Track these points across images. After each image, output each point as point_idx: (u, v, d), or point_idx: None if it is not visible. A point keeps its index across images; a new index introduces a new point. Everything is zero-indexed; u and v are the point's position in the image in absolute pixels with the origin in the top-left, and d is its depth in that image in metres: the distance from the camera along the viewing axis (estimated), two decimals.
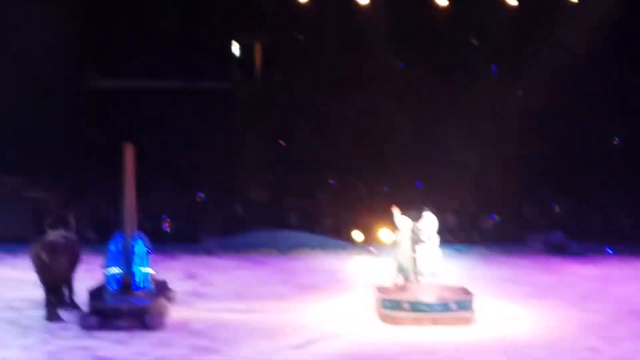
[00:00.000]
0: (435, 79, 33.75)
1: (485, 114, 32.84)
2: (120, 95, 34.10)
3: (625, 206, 30.61)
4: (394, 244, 20.90)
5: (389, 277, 21.09)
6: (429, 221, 21.37)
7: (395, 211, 20.85)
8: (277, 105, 34.70)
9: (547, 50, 31.91)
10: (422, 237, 21.00)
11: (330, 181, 32.66)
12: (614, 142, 33.49)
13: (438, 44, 33.26)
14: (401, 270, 20.69)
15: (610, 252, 28.21)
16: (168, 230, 29.46)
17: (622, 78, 32.55)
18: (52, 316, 19.67)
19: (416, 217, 21.15)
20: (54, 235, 20.23)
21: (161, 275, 21.94)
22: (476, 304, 20.40)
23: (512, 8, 31.88)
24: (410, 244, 20.64)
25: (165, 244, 26.99)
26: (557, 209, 31.28)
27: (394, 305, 20.10)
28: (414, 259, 20.66)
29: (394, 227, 20.95)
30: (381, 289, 20.87)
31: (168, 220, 29.78)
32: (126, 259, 20.21)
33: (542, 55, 32.07)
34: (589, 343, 18.72)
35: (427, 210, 21.35)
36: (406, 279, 20.76)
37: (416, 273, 20.75)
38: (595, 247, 28.38)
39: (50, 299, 19.79)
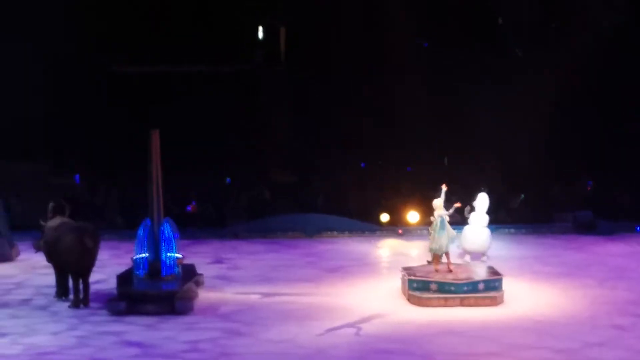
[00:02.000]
0: (461, 56, 33.51)
1: (513, 91, 32.58)
2: (145, 80, 34.16)
3: None
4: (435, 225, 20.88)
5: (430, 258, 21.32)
6: (483, 201, 22.62)
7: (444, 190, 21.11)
8: (302, 87, 34.63)
9: (577, 26, 31.62)
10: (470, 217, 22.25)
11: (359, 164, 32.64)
12: None
13: (463, 20, 33.04)
14: (443, 250, 20.71)
15: (638, 229, 27.98)
16: (195, 214, 29.50)
17: None
18: (78, 302, 19.81)
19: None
20: (76, 222, 20.42)
21: (189, 260, 22.06)
22: (504, 284, 20.38)
23: None
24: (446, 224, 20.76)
25: (192, 228, 27.02)
26: (590, 186, 31.06)
27: (422, 287, 20.11)
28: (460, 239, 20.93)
29: (439, 206, 21.05)
30: (409, 271, 20.86)
31: (195, 204, 29.84)
32: (154, 244, 20.34)
33: (572, 30, 31.79)
34: (617, 321, 18.67)
35: (483, 191, 22.92)
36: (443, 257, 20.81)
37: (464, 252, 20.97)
38: (625, 225, 28.14)
39: (78, 285, 19.91)
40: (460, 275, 20.38)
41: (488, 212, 23.64)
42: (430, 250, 20.94)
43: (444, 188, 21.07)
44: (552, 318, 18.95)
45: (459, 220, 23.23)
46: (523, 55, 33.91)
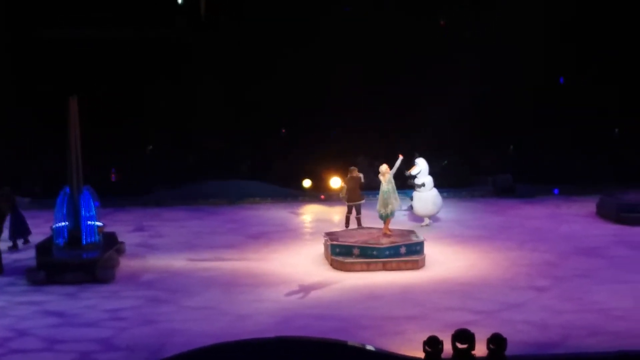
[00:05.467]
0: (384, 23, 33.51)
1: (435, 58, 32.72)
2: (64, 45, 33.52)
3: (573, 147, 30.80)
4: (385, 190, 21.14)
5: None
6: (423, 165, 24.17)
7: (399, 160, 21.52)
8: (225, 52, 34.34)
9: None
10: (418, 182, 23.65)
11: (283, 130, 32.53)
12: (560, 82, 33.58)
13: None
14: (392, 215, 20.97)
15: (556, 192, 28.49)
16: (116, 182, 29.18)
17: (570, 21, 32.53)
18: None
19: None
20: None
21: (110, 228, 21.88)
22: (426, 247, 20.59)
23: None
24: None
25: (114, 196, 26.75)
26: (510, 150, 31.54)
27: (345, 251, 20.22)
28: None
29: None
30: (331, 236, 20.97)
31: (116, 172, 29.51)
32: (74, 212, 20.10)
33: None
34: (536, 283, 19.02)
35: (418, 156, 24.22)
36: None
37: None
38: (543, 188, 28.61)
39: None
40: (383, 239, 20.56)
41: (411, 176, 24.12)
42: (381, 216, 21.09)
43: (400, 157, 21.37)
44: (473, 280, 19.21)
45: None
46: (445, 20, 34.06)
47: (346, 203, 22.93)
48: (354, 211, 22.84)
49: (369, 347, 14.33)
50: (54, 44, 32.58)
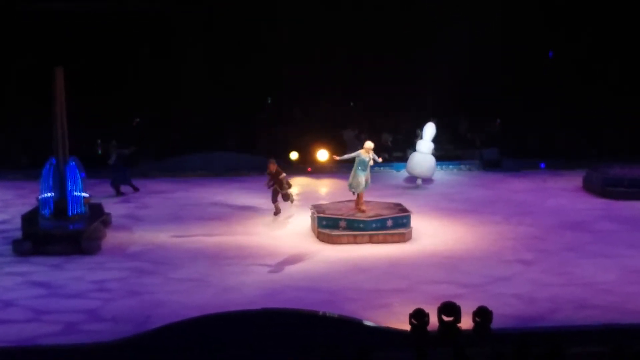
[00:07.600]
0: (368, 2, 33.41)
1: (418, 34, 32.65)
2: (50, 17, 33.29)
3: (559, 121, 30.84)
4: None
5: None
6: (431, 130, 25.87)
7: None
8: (210, 25, 34.19)
9: None
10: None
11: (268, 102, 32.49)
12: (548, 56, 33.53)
13: None
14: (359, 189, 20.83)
15: (543, 166, 28.57)
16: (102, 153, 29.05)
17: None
18: None
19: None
20: None
21: (96, 199, 21.79)
22: (412, 220, 20.59)
23: None
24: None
25: (99, 167, 26.62)
26: (497, 123, 31.58)
27: (331, 224, 20.21)
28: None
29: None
30: (318, 208, 20.94)
31: (102, 144, 29.37)
32: (60, 183, 20.01)
33: None
34: (522, 256, 19.06)
35: (431, 120, 26.28)
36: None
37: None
38: (530, 162, 28.67)
39: None
40: (369, 212, 20.53)
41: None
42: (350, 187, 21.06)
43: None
44: (460, 254, 19.24)
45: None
46: None
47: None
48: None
49: (356, 320, 14.34)
50: (39, 15, 32.37)
